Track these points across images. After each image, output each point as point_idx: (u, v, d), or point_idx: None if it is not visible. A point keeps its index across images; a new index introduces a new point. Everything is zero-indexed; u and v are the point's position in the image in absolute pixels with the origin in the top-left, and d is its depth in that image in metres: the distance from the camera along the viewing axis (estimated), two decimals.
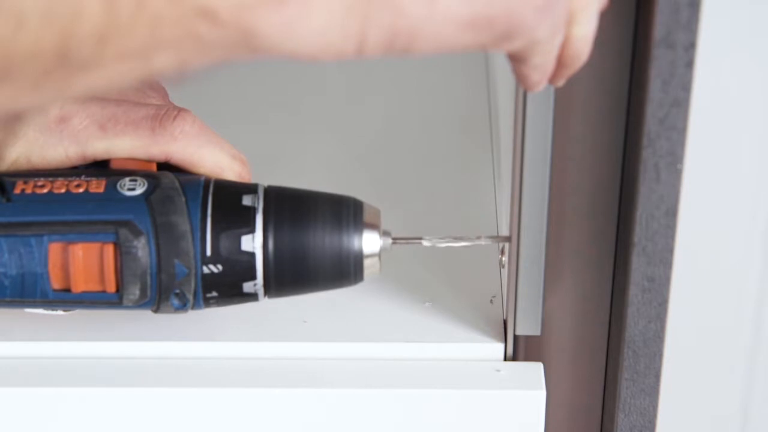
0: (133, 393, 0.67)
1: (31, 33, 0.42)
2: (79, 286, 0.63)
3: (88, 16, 0.42)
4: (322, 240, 0.64)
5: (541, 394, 0.66)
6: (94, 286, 0.63)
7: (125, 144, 0.65)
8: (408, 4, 0.47)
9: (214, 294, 0.64)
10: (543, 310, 0.67)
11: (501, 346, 0.69)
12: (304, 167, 0.84)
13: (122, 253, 0.62)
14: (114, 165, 0.65)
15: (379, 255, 0.65)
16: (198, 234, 0.62)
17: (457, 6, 0.48)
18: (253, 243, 0.63)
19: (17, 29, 0.41)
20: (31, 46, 0.42)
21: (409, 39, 0.48)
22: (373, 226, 0.65)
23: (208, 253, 0.62)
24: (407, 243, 0.68)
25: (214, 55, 0.46)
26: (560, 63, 0.55)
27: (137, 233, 0.62)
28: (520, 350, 0.69)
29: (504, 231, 0.75)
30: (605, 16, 0.56)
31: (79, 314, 0.70)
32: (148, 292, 0.63)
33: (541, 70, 0.54)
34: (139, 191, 0.63)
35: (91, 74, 0.44)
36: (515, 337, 0.68)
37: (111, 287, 0.63)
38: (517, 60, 0.54)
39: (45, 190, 0.63)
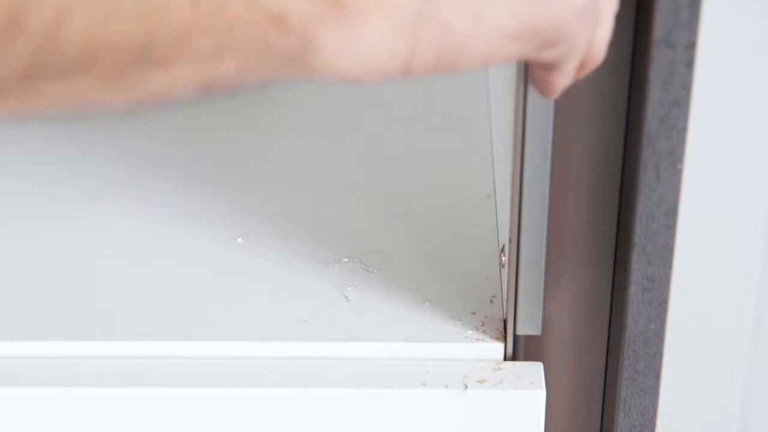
0: (134, 393, 0.67)
1: (119, 24, 0.42)
2: None
3: (174, 12, 0.43)
4: None
5: (541, 394, 0.66)
6: None
7: None
8: (455, 21, 0.47)
9: None
10: (543, 309, 0.67)
11: (501, 346, 0.69)
12: (303, 168, 0.84)
13: None
14: None
15: None
16: None
17: (503, 19, 0.48)
18: None
19: (107, 19, 0.41)
20: (116, 38, 0.42)
21: (456, 56, 0.48)
22: None
23: None
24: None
25: (271, 67, 0.46)
26: (580, 64, 0.55)
27: None
28: (520, 350, 0.69)
29: (504, 231, 0.75)
30: None
31: (78, 314, 0.70)
32: None
33: (569, 75, 0.55)
34: None
35: (162, 74, 0.44)
36: (515, 337, 0.68)
37: None
38: (549, 68, 0.54)
39: None
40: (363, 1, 0.45)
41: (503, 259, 0.71)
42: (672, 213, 0.64)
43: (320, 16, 0.45)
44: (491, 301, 0.72)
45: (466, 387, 0.66)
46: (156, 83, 0.45)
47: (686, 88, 0.61)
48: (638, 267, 0.65)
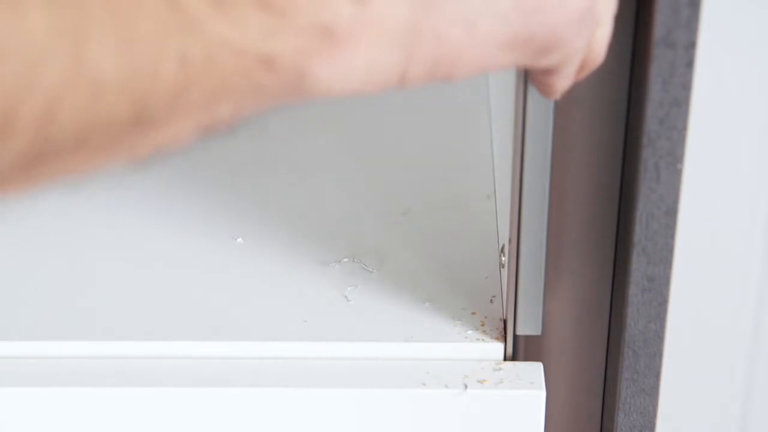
0: (134, 393, 0.67)
1: (110, 100, 0.41)
2: None
3: (163, 76, 0.42)
4: None
5: (541, 394, 0.66)
6: None
7: None
8: (450, 33, 0.47)
9: None
10: (543, 310, 0.67)
11: (501, 346, 0.69)
12: (303, 168, 0.84)
13: None
14: None
15: None
16: None
17: (496, 28, 0.48)
18: None
19: (97, 97, 0.41)
20: (109, 114, 0.41)
21: (450, 66, 0.48)
22: None
23: None
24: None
25: (267, 101, 0.46)
26: (581, 66, 0.55)
27: None
28: (520, 350, 0.69)
29: (504, 231, 0.75)
30: None
31: (78, 314, 0.70)
32: None
33: (569, 77, 0.54)
34: None
35: (159, 132, 0.44)
36: (515, 337, 0.68)
37: None
38: (548, 73, 0.54)
39: None
40: (353, 24, 0.45)
41: (503, 259, 0.71)
42: (672, 213, 0.64)
43: (311, 50, 0.44)
44: (491, 301, 0.72)
45: (466, 387, 0.66)
46: (153, 141, 0.44)
47: (686, 88, 0.61)
48: (638, 267, 0.65)
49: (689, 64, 0.60)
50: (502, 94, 0.82)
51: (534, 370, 0.68)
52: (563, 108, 0.63)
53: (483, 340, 0.69)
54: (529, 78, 0.59)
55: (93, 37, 0.40)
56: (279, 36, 0.43)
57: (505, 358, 0.69)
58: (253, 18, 0.43)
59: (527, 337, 0.69)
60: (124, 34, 0.41)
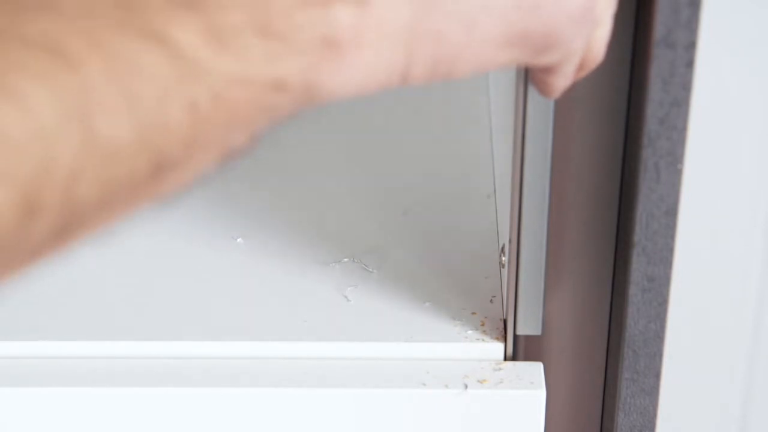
0: (134, 393, 0.67)
1: (126, 161, 0.41)
2: None
3: (175, 126, 0.42)
4: None
5: (541, 394, 0.66)
6: None
7: None
8: (449, 32, 0.47)
9: None
10: (543, 310, 0.67)
11: (501, 346, 0.69)
12: (303, 168, 0.84)
13: None
14: None
15: None
16: None
17: (496, 27, 0.48)
18: None
19: (113, 162, 0.41)
20: (128, 174, 0.42)
21: (450, 65, 0.48)
22: None
23: None
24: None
25: (276, 117, 0.46)
26: (579, 65, 0.55)
27: None
28: (520, 350, 0.69)
29: (504, 231, 0.75)
30: None
31: (78, 314, 0.70)
32: None
33: (569, 76, 0.55)
34: None
35: (178, 174, 0.44)
36: (515, 337, 0.68)
37: None
38: (547, 71, 0.54)
39: None
40: (355, 30, 0.45)
41: (503, 259, 0.71)
42: (672, 213, 0.64)
43: (317, 64, 0.44)
44: (491, 301, 0.72)
45: (466, 387, 0.66)
46: (174, 182, 0.45)
47: (686, 88, 0.61)
48: (638, 267, 0.65)
49: (689, 64, 0.60)
50: (502, 94, 0.82)
51: (534, 370, 0.68)
52: (563, 108, 0.63)
53: (483, 340, 0.69)
54: (528, 77, 0.59)
55: (99, 108, 0.40)
56: (284, 58, 0.44)
57: (505, 358, 0.69)
58: (255, 46, 0.43)
59: (527, 337, 0.69)
60: (129, 98, 0.41)
